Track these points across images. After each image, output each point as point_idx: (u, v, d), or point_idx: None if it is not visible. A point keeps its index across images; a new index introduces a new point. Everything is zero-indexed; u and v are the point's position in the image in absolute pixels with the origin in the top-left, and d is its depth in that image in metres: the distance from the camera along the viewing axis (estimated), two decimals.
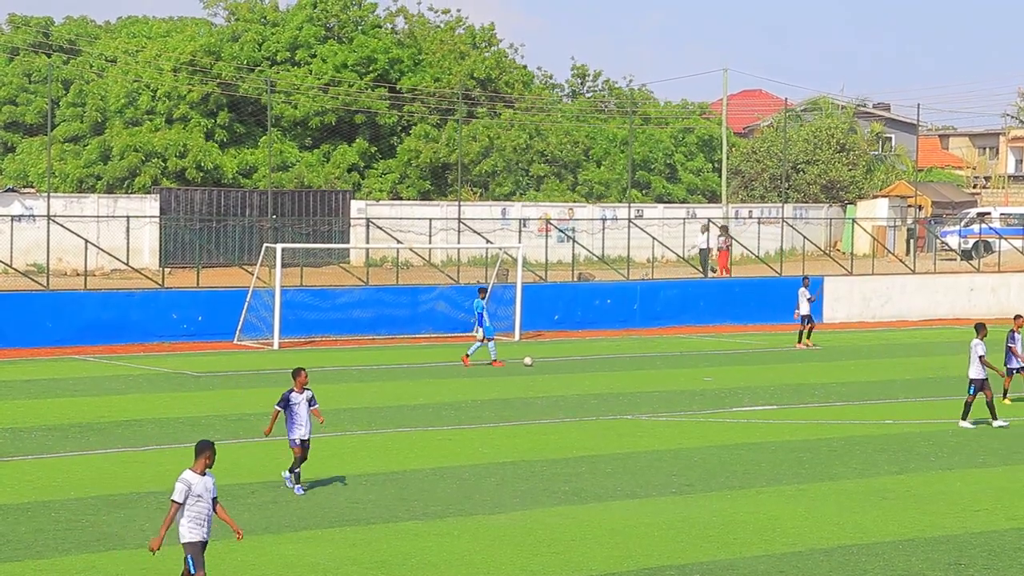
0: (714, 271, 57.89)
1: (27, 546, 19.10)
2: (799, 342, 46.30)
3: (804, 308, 46.20)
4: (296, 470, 22.72)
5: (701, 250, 58.08)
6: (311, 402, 22.74)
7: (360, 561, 18.66)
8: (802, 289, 46.50)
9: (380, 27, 73.64)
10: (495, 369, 39.40)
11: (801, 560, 18.99)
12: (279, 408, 22.69)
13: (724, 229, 59.08)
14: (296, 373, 22.83)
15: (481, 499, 22.31)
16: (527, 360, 40.20)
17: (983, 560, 19.13)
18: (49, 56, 70.35)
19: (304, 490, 22.56)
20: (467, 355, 39.96)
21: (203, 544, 16.09)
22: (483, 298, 40.77)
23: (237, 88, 66.70)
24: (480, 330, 39.92)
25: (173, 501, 15.91)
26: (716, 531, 20.49)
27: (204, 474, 16.02)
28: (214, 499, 16.12)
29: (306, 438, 22.72)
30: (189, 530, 15.96)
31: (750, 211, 72.82)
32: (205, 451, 16.06)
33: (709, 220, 60.62)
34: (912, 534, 20.51)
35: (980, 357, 30.01)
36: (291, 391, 22.67)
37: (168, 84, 65.63)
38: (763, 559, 19.00)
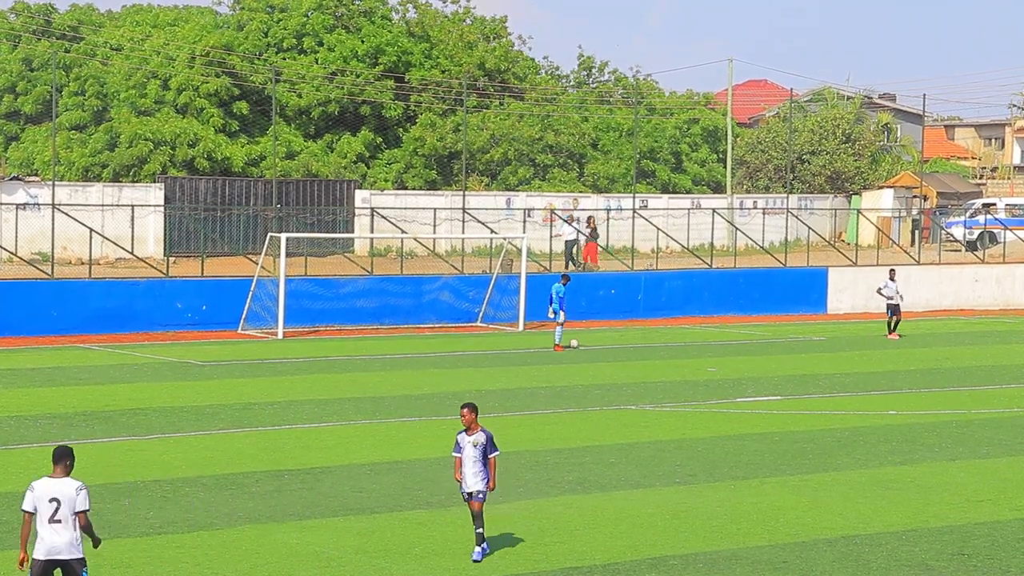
0: (581, 263, 57.02)
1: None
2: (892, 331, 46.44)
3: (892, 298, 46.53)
4: (477, 529, 18.37)
5: (567, 242, 57.25)
6: (487, 449, 18.24)
7: (364, 550, 18.69)
8: (890, 282, 46.74)
9: (388, 18, 73.52)
10: (498, 358, 39.48)
11: (804, 550, 19.01)
12: (455, 455, 18.41)
13: (590, 220, 58.47)
14: (461, 409, 18.42)
15: None
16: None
17: (986, 550, 19.14)
18: (51, 43, 70.25)
19: (483, 554, 18.33)
20: (557, 343, 41.49)
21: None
22: (565, 283, 41.97)
23: (244, 77, 66.63)
24: (562, 314, 41.47)
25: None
26: (720, 521, 20.51)
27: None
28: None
29: (471, 491, 18.22)
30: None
31: (755, 202, 72.75)
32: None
33: (573, 211, 60.65)
34: (915, 524, 20.53)
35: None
36: (461, 431, 18.41)
37: (183, 76, 65.50)
38: (766, 549, 19.03)
